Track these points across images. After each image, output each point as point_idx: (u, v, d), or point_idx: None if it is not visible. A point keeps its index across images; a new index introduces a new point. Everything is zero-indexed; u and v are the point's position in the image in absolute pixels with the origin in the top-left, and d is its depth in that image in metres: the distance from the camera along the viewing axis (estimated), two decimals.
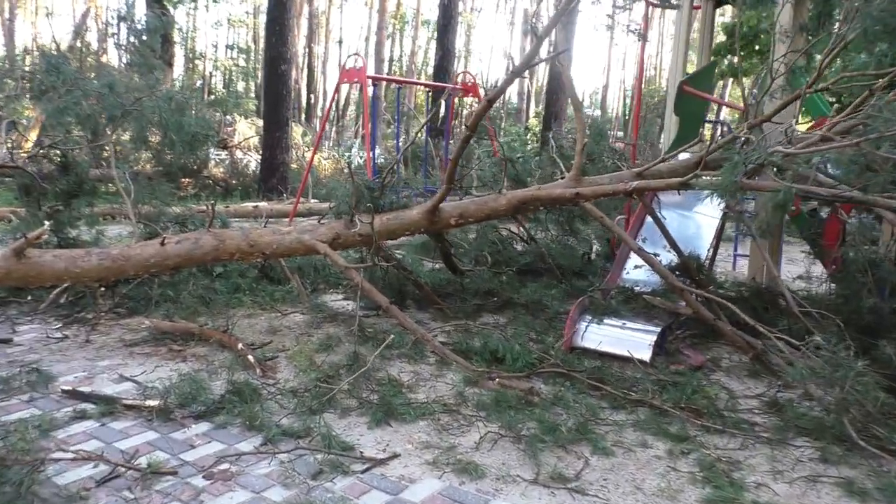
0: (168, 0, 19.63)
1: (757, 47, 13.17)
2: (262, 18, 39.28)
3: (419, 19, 44.93)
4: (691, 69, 8.12)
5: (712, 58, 8.61)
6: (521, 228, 6.53)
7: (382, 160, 22.91)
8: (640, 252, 4.80)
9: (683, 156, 6.17)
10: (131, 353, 4.64)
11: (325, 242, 4.93)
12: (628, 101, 39.37)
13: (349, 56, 9.62)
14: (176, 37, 29.31)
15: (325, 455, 3.25)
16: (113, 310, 5.38)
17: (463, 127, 14.94)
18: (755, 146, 3.70)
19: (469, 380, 4.24)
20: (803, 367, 3.48)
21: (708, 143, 4.84)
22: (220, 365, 4.45)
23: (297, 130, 20.68)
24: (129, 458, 3.12)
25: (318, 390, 3.97)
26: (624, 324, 4.92)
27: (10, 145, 13.07)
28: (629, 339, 4.76)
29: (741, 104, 5.93)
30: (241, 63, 42.70)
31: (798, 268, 7.91)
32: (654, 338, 4.72)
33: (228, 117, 19.99)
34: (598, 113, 41.54)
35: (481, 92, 11.28)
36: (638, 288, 5.38)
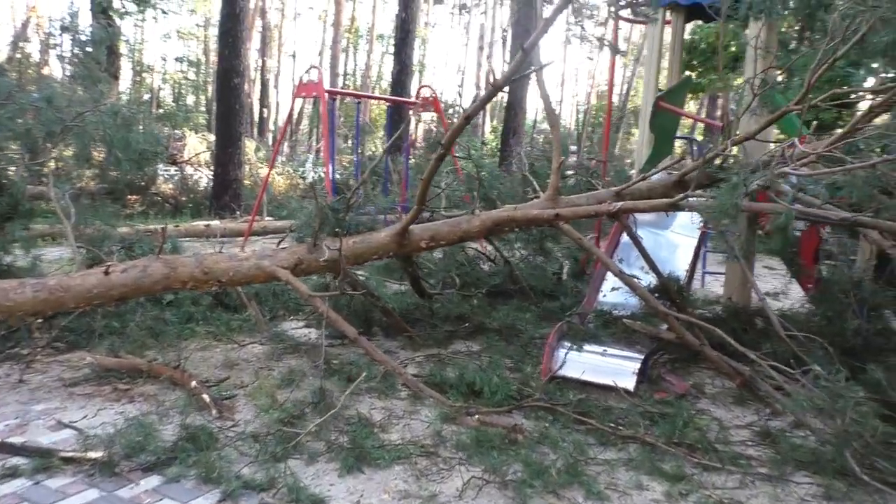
0: (114, 11, 18.90)
1: (714, 64, 13.28)
2: (213, 31, 38.54)
3: (374, 34, 44.71)
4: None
5: (686, 73, 8.59)
6: (493, 249, 6.26)
7: (338, 176, 22.51)
8: (622, 275, 4.58)
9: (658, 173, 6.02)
10: (71, 394, 4.20)
11: (286, 269, 4.58)
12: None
13: (307, 69, 9.28)
14: (123, 49, 28.46)
15: None
16: (50, 344, 4.90)
17: (422, 143, 14.64)
18: (755, 166, 3.52)
19: (446, 416, 3.93)
20: (804, 399, 3.28)
21: (692, 160, 4.66)
22: (171, 406, 4.05)
23: (250, 145, 20.13)
24: None
25: (283, 434, 3.61)
26: (605, 350, 4.69)
27: None
28: (611, 367, 4.53)
29: (716, 121, 5.79)
30: (191, 76, 41.77)
31: (764, 284, 7.85)
32: (638, 365, 4.50)
33: (177, 132, 19.34)
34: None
35: (442, 107, 11.06)
36: (616, 311, 5.16)
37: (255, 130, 34.34)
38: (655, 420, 3.97)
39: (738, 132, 5.26)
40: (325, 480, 3.26)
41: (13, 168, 5.67)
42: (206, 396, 4.08)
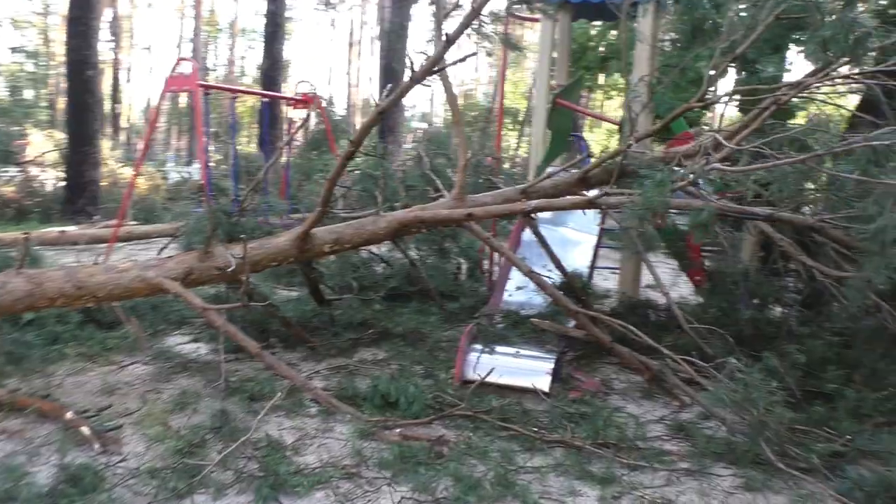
0: None
1: (585, 64, 13.78)
2: (53, 19, 35.40)
3: (237, 27, 42.89)
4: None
5: (580, 71, 8.72)
6: (392, 251, 6.02)
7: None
8: (531, 274, 4.52)
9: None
10: None
11: (175, 280, 4.13)
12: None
13: (177, 62, 8.59)
14: None
15: None
16: None
17: (298, 140, 14.04)
18: (676, 162, 3.54)
19: (364, 432, 3.68)
20: (723, 392, 3.34)
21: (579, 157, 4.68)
22: (43, 443, 3.52)
23: (104, 144, 18.56)
24: None
25: (183, 467, 3.22)
26: (517, 352, 4.61)
27: None
28: (525, 369, 4.45)
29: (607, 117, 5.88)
30: (30, 68, 38.09)
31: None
32: (551, 365, 4.45)
33: (15, 128, 17.48)
34: (424, 125, 41.94)
35: (323, 103, 10.65)
36: (523, 311, 5.10)
37: (108, 127, 31.87)
38: (576, 421, 3.93)
39: (636, 129, 5.38)
40: None
41: None
42: (85, 429, 3.58)
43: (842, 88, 4.54)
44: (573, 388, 4.53)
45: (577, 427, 3.83)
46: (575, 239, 5.64)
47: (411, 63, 3.36)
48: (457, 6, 3.88)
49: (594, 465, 3.45)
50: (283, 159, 12.37)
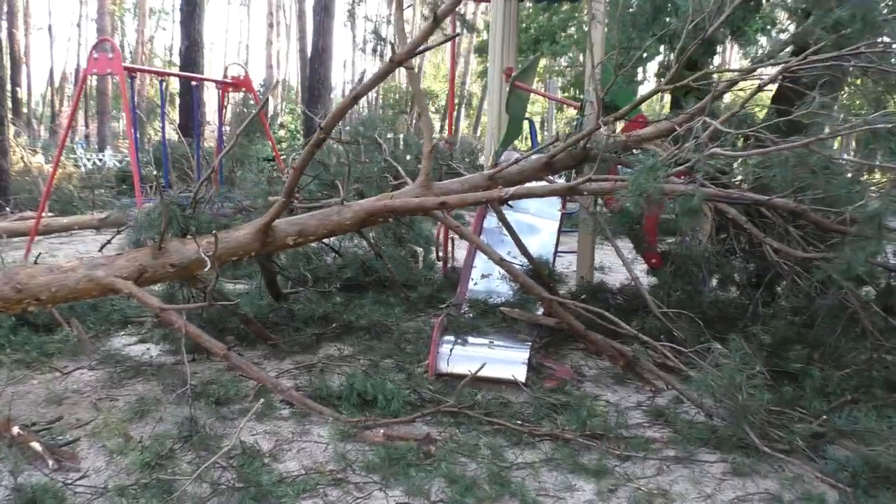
0: None
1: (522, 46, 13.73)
2: None
3: (144, 7, 40.84)
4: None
5: (537, 53, 8.60)
6: (365, 241, 5.79)
7: (114, 163, 20.28)
8: (503, 263, 4.42)
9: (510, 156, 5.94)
10: None
11: (127, 279, 3.81)
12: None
13: (96, 43, 8.01)
14: None
15: None
16: None
17: (225, 127, 13.46)
18: (679, 147, 3.49)
19: (344, 434, 3.50)
20: (711, 378, 3.33)
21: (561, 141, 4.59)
22: None
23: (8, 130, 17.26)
24: None
25: (155, 482, 2.97)
26: (491, 342, 4.51)
27: None
28: (500, 359, 4.35)
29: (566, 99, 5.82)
30: None
31: (605, 260, 8.19)
32: (526, 355, 4.38)
33: None
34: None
35: (255, 87, 10.22)
36: (491, 300, 5.01)
37: (9, 112, 29.79)
38: (558, 411, 3.87)
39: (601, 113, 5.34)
40: None
41: None
42: (36, 444, 3.26)
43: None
44: (546, 376, 4.48)
45: (561, 418, 3.77)
46: (536, 225, 5.57)
47: (392, 45, 3.17)
48: None
49: (585, 458, 3.40)
50: (209, 146, 11.88)
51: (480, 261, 5.37)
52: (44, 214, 11.56)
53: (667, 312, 4.56)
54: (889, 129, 2.80)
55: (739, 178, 4.41)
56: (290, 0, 42.16)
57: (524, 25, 14.13)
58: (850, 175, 3.41)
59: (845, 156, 2.96)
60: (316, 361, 4.54)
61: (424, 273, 6.63)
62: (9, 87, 31.93)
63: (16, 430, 3.34)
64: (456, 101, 39.07)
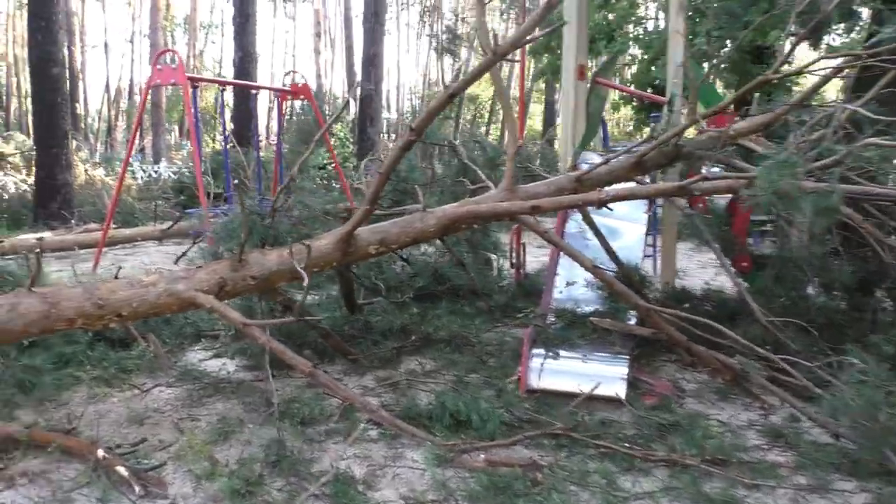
0: None
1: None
2: None
3: (197, 21, 41.70)
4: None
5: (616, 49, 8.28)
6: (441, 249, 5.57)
7: (169, 174, 20.57)
8: (596, 270, 4.13)
9: (592, 157, 5.65)
10: None
11: (208, 292, 3.65)
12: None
13: (159, 53, 7.99)
14: None
15: None
16: None
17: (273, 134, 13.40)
18: (817, 141, 3.17)
19: (440, 458, 3.25)
20: (850, 397, 2.99)
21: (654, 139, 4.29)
22: (73, 487, 3.04)
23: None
24: None
25: None
26: (584, 356, 4.22)
27: None
28: (596, 374, 4.06)
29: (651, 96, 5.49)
30: None
31: (690, 264, 7.79)
32: (626, 370, 4.08)
33: None
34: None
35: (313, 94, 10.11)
36: (578, 309, 4.72)
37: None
38: (667, 432, 3.56)
39: (679, 108, 5.01)
40: None
41: None
42: (121, 469, 3.10)
43: None
44: (645, 392, 4.17)
45: (672, 439, 3.46)
46: (620, 228, 5.25)
47: (494, 36, 2.92)
48: None
49: (707, 486, 3.08)
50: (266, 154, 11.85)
51: (562, 268, 5.08)
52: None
53: (773, 321, 4.21)
54: None
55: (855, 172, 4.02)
56: (336, 10, 42.62)
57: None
58: None
59: None
60: (398, 377, 4.32)
61: (497, 280, 6.36)
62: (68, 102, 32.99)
63: (101, 453, 3.19)
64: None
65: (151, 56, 31.77)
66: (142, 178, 22.73)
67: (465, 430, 3.54)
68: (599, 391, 3.96)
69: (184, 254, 4.28)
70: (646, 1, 13.30)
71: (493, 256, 6.33)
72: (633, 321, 4.61)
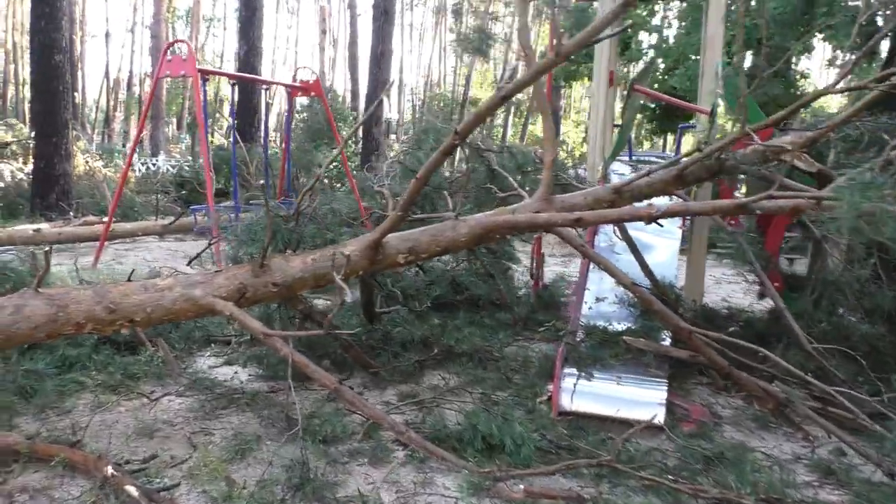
0: None
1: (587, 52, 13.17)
2: None
3: (200, 13, 41.41)
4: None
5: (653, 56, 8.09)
6: (478, 260, 5.34)
7: (167, 167, 20.29)
8: (634, 288, 3.91)
9: (622, 168, 5.46)
10: None
11: (227, 299, 3.42)
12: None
13: (170, 44, 7.75)
14: None
15: None
16: None
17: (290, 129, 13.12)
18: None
19: (476, 486, 3.02)
20: None
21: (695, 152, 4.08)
22: None
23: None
24: None
25: None
26: (619, 378, 4.00)
27: None
28: (632, 398, 3.85)
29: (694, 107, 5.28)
30: None
31: (717, 285, 7.58)
32: (664, 394, 3.87)
33: None
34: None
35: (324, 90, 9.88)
36: (610, 326, 4.50)
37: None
38: (714, 464, 3.34)
39: (718, 120, 4.80)
40: None
41: None
42: (131, 489, 2.87)
43: None
44: (682, 418, 3.95)
45: (719, 473, 3.24)
46: (653, 243, 5.05)
47: (559, 35, 2.71)
48: None
49: None
50: (273, 151, 11.61)
51: (592, 283, 4.87)
52: (105, 219, 11.47)
53: (817, 348, 4.00)
54: None
55: None
56: (340, 6, 42.39)
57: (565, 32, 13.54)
58: None
59: None
60: (422, 393, 4.09)
61: (515, 291, 6.13)
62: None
63: (109, 469, 2.96)
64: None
65: (153, 47, 31.51)
66: (140, 170, 22.44)
67: (497, 454, 3.32)
68: (637, 416, 3.75)
69: (198, 255, 4.04)
70: (663, 9, 13.08)
71: (514, 266, 6.11)
72: (666, 341, 4.41)
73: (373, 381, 4.27)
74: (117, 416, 3.66)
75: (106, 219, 11.51)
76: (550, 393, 4.16)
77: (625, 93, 5.07)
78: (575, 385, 3.92)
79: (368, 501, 2.88)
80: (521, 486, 2.99)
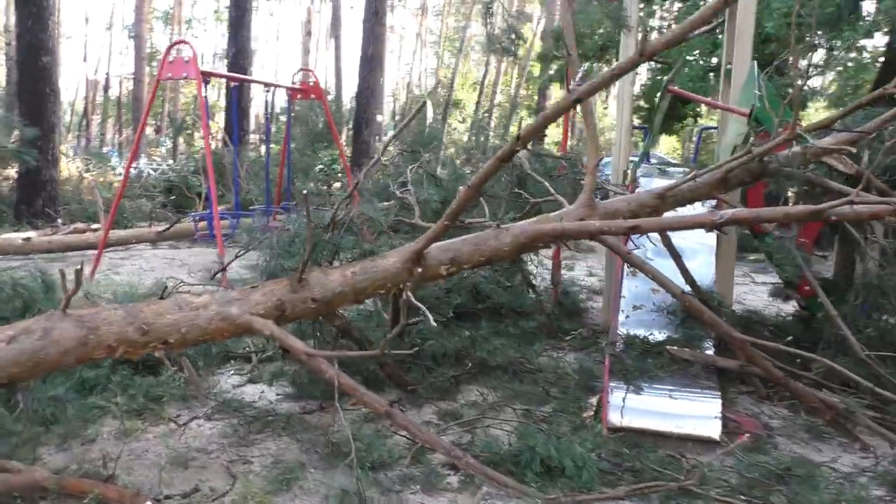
0: None
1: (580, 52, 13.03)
2: None
3: (180, 14, 40.89)
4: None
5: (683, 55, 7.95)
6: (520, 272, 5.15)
7: (149, 171, 19.89)
8: (685, 297, 3.76)
9: (653, 181, 5.32)
10: None
11: (266, 317, 3.20)
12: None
13: (172, 44, 7.48)
14: None
15: None
16: None
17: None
18: None
19: None
20: None
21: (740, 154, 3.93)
22: None
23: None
24: None
25: None
26: (671, 391, 3.84)
27: None
28: (686, 413, 3.70)
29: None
30: None
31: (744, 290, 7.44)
32: (718, 407, 3.71)
33: None
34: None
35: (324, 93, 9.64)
36: (651, 336, 4.34)
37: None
38: (785, 482, 3.19)
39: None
40: None
41: None
42: None
43: None
44: (737, 431, 3.80)
45: (793, 490, 3.09)
46: (688, 247, 4.88)
47: (642, 36, 2.54)
48: None
49: None
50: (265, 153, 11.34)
51: (627, 290, 4.71)
52: (93, 227, 11.12)
53: (870, 355, 3.88)
54: None
55: None
56: (322, 7, 41.99)
57: (589, 31, 13.40)
58: None
59: None
60: (461, 409, 3.91)
61: (531, 298, 5.95)
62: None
63: None
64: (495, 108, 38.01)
65: (136, 48, 30.96)
66: (122, 174, 21.92)
67: (557, 477, 3.14)
68: (693, 431, 3.59)
69: (223, 269, 3.82)
70: (661, 8, 12.98)
71: (534, 270, 5.93)
72: (709, 350, 4.26)
73: (408, 398, 4.07)
74: (146, 444, 3.42)
75: (95, 226, 11.23)
76: (594, 407, 4.00)
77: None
78: (624, 400, 3.75)
79: None
80: None
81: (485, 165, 3.09)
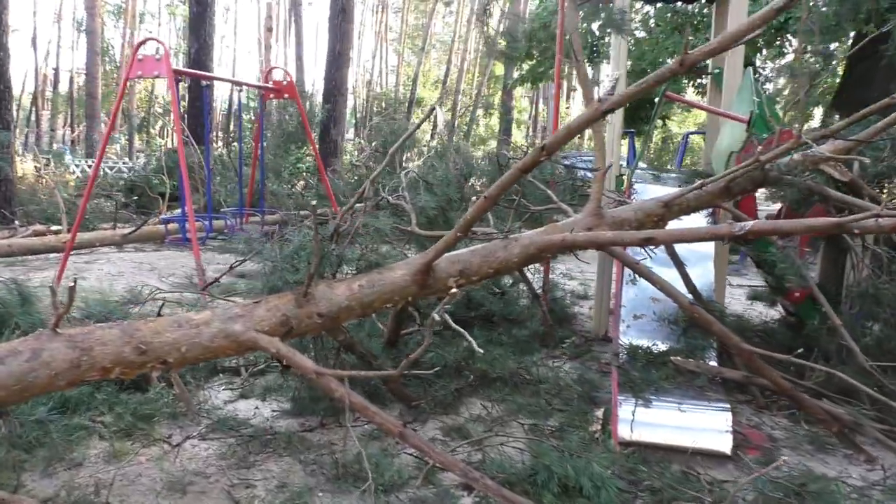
0: None
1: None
2: None
3: (134, 8, 39.84)
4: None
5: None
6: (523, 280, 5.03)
7: (104, 170, 19.31)
8: (694, 309, 3.70)
9: (647, 188, 5.28)
10: None
11: (270, 333, 3.03)
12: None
13: (141, 41, 7.18)
14: None
15: None
16: None
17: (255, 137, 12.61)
18: None
19: None
20: None
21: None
22: None
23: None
24: None
25: None
26: (680, 403, 3.79)
27: None
28: (698, 427, 3.64)
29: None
30: None
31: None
32: (729, 420, 3.67)
33: None
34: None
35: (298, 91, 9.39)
36: (652, 346, 4.29)
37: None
38: (801, 497, 3.15)
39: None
40: None
41: None
42: None
43: None
44: (745, 444, 3.77)
45: None
46: (687, 258, 4.84)
47: (683, 46, 2.45)
48: None
49: None
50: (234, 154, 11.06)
51: (627, 299, 4.66)
52: (53, 228, 10.67)
53: (873, 366, 3.88)
54: None
55: None
56: (284, 2, 41.35)
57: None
58: None
59: None
60: (466, 424, 3.78)
61: (524, 305, 5.86)
62: None
63: None
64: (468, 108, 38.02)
65: (89, 43, 29.94)
66: (75, 173, 21.22)
67: (575, 497, 3.04)
68: (703, 445, 3.54)
69: (216, 280, 3.63)
70: (637, 13, 13.01)
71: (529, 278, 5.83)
72: (713, 361, 4.23)
73: (409, 411, 3.94)
74: (138, 467, 3.21)
75: (55, 228, 10.77)
76: (601, 420, 3.93)
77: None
78: (633, 413, 3.68)
79: None
80: None
81: (503, 176, 2.97)
